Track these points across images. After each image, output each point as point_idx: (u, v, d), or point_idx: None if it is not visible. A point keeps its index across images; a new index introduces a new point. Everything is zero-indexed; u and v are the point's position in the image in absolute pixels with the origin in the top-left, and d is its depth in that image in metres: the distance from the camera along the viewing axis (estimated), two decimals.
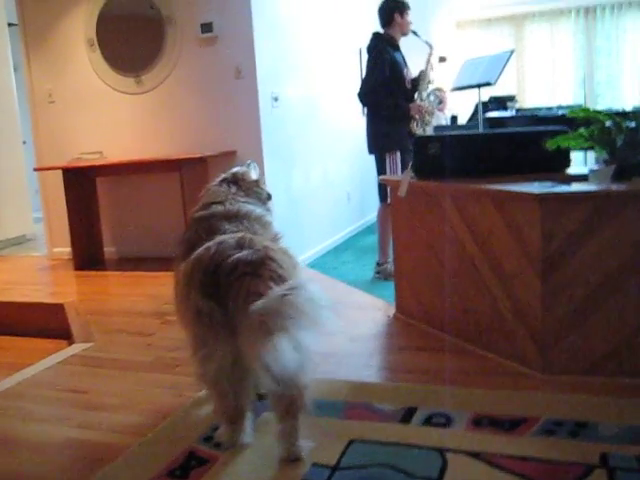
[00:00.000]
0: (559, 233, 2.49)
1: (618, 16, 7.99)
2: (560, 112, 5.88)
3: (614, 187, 2.52)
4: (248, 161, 2.80)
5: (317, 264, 5.49)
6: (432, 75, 5.01)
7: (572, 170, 3.14)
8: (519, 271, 2.64)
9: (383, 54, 4.76)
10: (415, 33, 4.95)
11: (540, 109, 6.33)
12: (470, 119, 6.86)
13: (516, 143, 3.18)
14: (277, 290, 1.86)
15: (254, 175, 2.65)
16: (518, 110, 6.33)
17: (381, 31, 4.95)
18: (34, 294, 4.67)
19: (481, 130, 5.27)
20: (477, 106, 5.66)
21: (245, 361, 1.93)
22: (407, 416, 2.34)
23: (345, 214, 6.80)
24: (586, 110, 2.82)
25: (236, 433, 2.18)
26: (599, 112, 2.79)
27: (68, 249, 5.58)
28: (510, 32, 8.37)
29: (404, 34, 4.95)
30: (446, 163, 3.11)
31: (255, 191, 2.55)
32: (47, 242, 6.16)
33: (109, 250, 5.78)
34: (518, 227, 2.61)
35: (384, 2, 4.99)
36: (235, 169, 2.64)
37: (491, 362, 2.79)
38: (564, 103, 7.28)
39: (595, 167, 2.85)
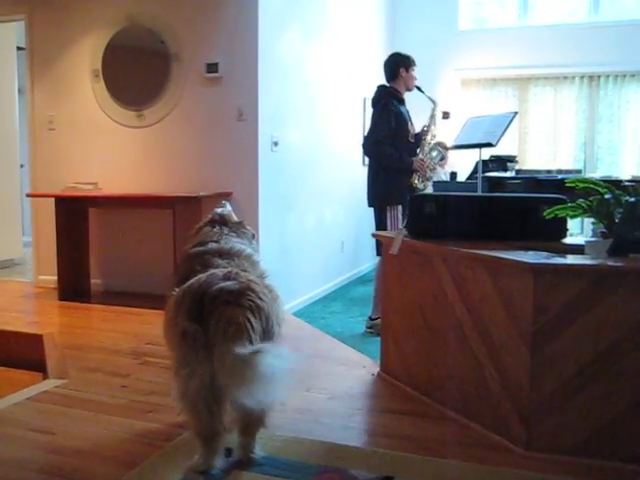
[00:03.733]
0: (552, 306, 2.43)
1: (621, 86, 8.05)
2: (560, 176, 5.87)
3: (610, 263, 2.47)
4: (223, 201, 3.00)
5: (305, 313, 5.41)
6: (435, 131, 5.01)
7: (568, 240, 3.09)
8: (508, 341, 2.57)
9: (389, 106, 4.77)
10: (419, 89, 4.96)
11: (540, 172, 6.33)
12: (469, 177, 6.85)
13: (514, 209, 3.14)
14: (246, 350, 2.03)
15: (234, 216, 2.85)
16: (518, 171, 6.32)
17: (387, 84, 4.97)
18: (14, 322, 4.57)
19: (479, 190, 5.24)
20: (477, 165, 5.65)
21: (220, 383, 2.12)
22: None
23: (338, 263, 6.73)
24: (585, 180, 2.78)
25: (210, 455, 2.30)
26: (598, 183, 2.75)
27: (54, 277, 5.48)
28: (514, 93, 8.41)
29: (409, 89, 4.96)
30: (441, 224, 3.06)
31: (243, 231, 2.77)
32: (34, 269, 6.07)
33: (96, 282, 5.69)
34: (510, 296, 2.55)
35: (390, 56, 5.02)
36: (219, 210, 2.83)
37: (474, 433, 2.70)
38: (564, 167, 7.29)
39: (592, 239, 2.81)
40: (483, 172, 6.14)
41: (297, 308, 5.55)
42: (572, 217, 2.85)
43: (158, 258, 5.24)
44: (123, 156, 5.57)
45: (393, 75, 4.93)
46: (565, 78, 8.27)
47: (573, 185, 2.80)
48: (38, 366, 3.83)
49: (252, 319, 2.15)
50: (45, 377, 3.63)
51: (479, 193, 3.39)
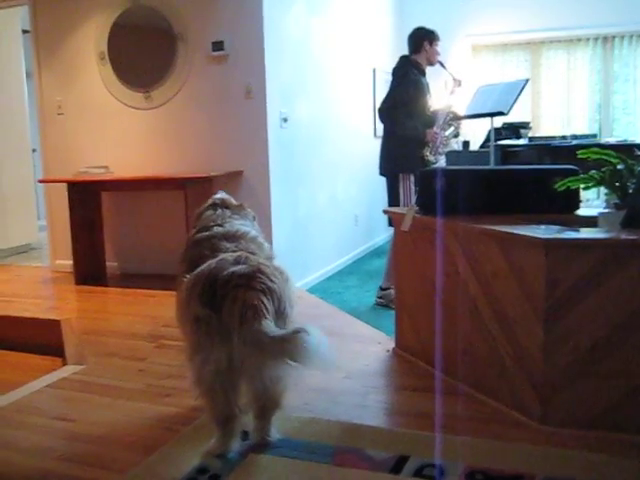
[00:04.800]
0: (564, 281, 2.40)
1: (636, 46, 7.90)
2: (574, 142, 5.78)
3: (622, 236, 2.43)
4: (218, 190, 3.04)
5: (320, 288, 5.41)
6: (453, 107, 5.00)
7: (582, 211, 3.05)
8: (521, 317, 2.55)
9: (409, 75, 4.77)
10: (442, 64, 4.96)
11: (554, 138, 6.23)
12: (482, 145, 6.76)
13: (525, 181, 3.10)
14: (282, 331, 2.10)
15: (233, 200, 2.87)
16: (531, 138, 6.23)
17: (408, 55, 4.95)
18: (32, 308, 4.62)
19: (492, 159, 5.18)
20: (489, 133, 5.58)
21: (237, 366, 2.16)
22: (398, 466, 2.24)
23: (352, 237, 6.72)
24: (598, 152, 2.73)
25: (226, 438, 2.32)
26: (610, 154, 2.70)
27: (70, 262, 5.52)
28: (526, 58, 8.27)
29: (431, 63, 4.96)
30: (452, 199, 3.03)
31: (244, 214, 2.78)
32: (50, 254, 6.12)
33: (111, 265, 5.73)
34: (522, 272, 2.52)
35: (415, 30, 5.00)
36: (219, 195, 2.86)
37: (489, 408, 2.70)
38: (579, 132, 7.18)
39: (605, 210, 2.77)
40: (496, 140, 6.08)
41: (312, 284, 5.56)
42: (584, 189, 2.81)
43: (171, 239, 5.26)
44: (133, 138, 5.57)
45: (417, 48, 4.92)
46: (579, 40, 8.13)
47: (586, 157, 2.75)
48: (57, 351, 3.87)
49: (265, 301, 2.15)
50: (64, 362, 3.67)
51: (490, 166, 3.34)
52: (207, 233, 2.60)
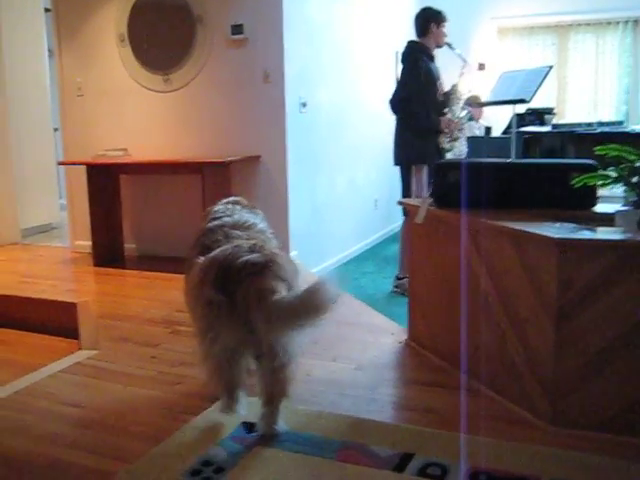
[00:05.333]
0: (577, 281, 2.36)
1: None
2: (599, 129, 5.68)
3: (635, 237, 2.38)
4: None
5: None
6: (464, 89, 4.88)
7: (599, 208, 2.99)
8: (533, 316, 2.52)
9: (419, 63, 4.67)
10: (450, 46, 4.83)
11: (580, 125, 6.11)
12: (505, 131, 6.68)
13: (542, 176, 3.04)
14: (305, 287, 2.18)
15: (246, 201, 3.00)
16: (555, 125, 6.12)
17: (417, 40, 4.84)
18: (50, 290, 4.67)
19: (513, 147, 5.11)
20: (511, 121, 5.50)
21: (246, 347, 2.37)
22: (402, 463, 2.24)
23: (371, 221, 6.70)
24: (617, 148, 2.66)
25: (232, 402, 2.49)
26: (630, 151, 2.63)
27: (90, 243, 5.56)
28: (553, 41, 8.11)
29: (439, 45, 4.84)
30: (466, 192, 2.99)
31: (254, 211, 2.93)
32: (69, 235, 6.17)
33: (129, 247, 5.76)
34: (534, 270, 2.49)
35: (421, 11, 4.88)
36: (232, 198, 3.02)
37: (498, 406, 2.68)
38: (605, 119, 7.04)
39: (623, 208, 2.71)
40: (519, 126, 5.99)
41: (330, 269, 5.55)
42: (602, 186, 2.75)
43: (188, 222, 5.26)
44: (151, 121, 5.57)
45: (424, 31, 4.80)
46: (608, 24, 7.94)
47: (604, 153, 2.69)
48: (73, 334, 3.91)
49: (278, 287, 2.24)
50: (80, 345, 3.71)
51: (506, 160, 3.29)
52: (218, 222, 2.70)
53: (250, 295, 2.22)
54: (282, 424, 2.46)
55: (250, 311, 2.22)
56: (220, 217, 2.75)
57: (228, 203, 2.90)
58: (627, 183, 2.64)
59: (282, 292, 2.23)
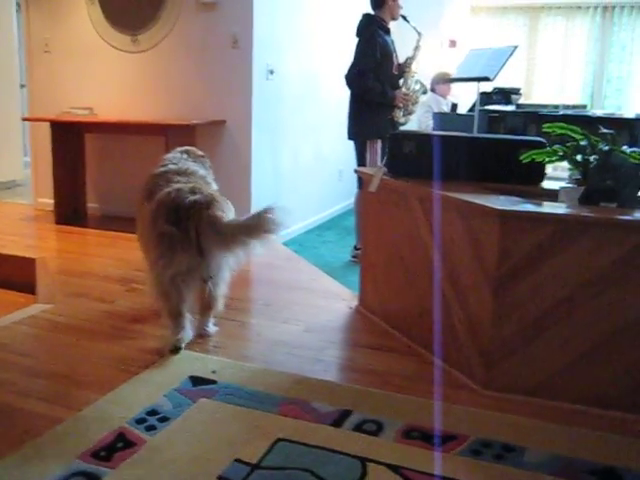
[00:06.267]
0: (516, 252, 2.46)
1: (637, 17, 7.83)
2: (561, 112, 5.78)
3: (574, 211, 2.49)
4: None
5: (298, 241, 5.47)
6: (418, 62, 4.91)
7: (546, 184, 3.10)
8: (474, 284, 2.62)
9: (375, 37, 4.66)
10: (405, 18, 4.83)
11: (545, 106, 6.21)
12: (471, 109, 6.75)
13: (493, 150, 3.13)
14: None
15: (199, 152, 3.44)
16: (519, 105, 6.21)
17: (371, 13, 4.84)
18: (11, 245, 4.67)
19: (476, 125, 5.20)
20: (477, 98, 5.57)
21: (194, 271, 2.85)
22: (340, 419, 2.34)
23: (335, 192, 6.74)
24: (563, 127, 2.76)
25: (178, 329, 2.90)
26: (575, 130, 2.73)
27: (52, 201, 5.55)
28: (525, 22, 8.17)
29: (394, 18, 4.85)
30: (420, 163, 3.07)
31: (201, 160, 3.36)
32: (33, 192, 6.14)
33: (92, 206, 5.76)
34: (478, 240, 2.58)
35: None
36: (182, 148, 3.42)
37: (439, 370, 2.79)
38: (571, 102, 7.15)
39: (567, 185, 2.82)
40: (486, 104, 6.07)
41: (291, 236, 5.61)
42: (548, 162, 2.85)
43: (144, 202, 5.26)
44: (118, 81, 5.54)
45: (379, 3, 4.79)
46: (579, 8, 8.02)
47: (551, 131, 2.79)
48: (31, 289, 3.94)
49: (224, 215, 2.79)
50: (36, 300, 3.74)
51: (459, 133, 3.37)
52: (163, 169, 3.15)
53: (203, 223, 2.73)
54: (212, 327, 3.12)
55: (202, 237, 2.75)
56: (166, 164, 3.19)
57: (177, 152, 3.31)
58: (571, 161, 2.75)
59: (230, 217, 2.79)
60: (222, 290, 3.05)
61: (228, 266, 2.99)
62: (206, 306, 3.07)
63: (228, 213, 2.85)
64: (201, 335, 3.06)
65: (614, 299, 2.39)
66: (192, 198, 2.80)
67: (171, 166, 3.15)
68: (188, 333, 2.95)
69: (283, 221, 2.68)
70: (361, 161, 4.72)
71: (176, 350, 2.86)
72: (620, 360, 2.43)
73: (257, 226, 2.69)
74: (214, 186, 3.20)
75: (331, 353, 2.99)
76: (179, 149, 3.37)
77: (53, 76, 5.79)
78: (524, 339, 2.52)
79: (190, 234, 2.75)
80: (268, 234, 2.69)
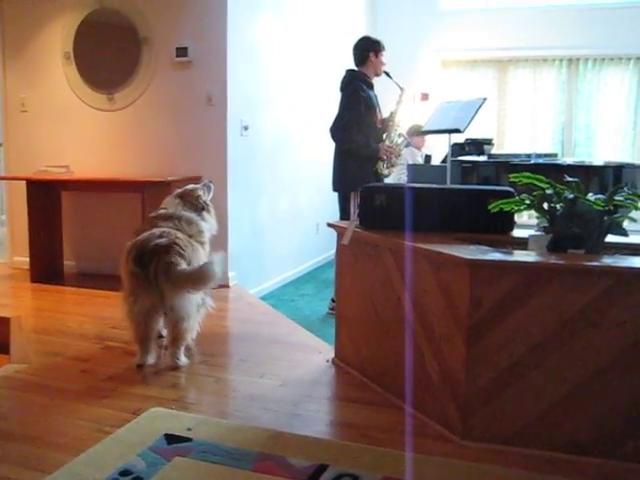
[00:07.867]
0: (486, 301, 2.49)
1: (600, 69, 8.09)
2: (532, 161, 5.91)
3: (542, 259, 2.53)
4: (206, 180, 4.14)
5: (276, 295, 5.49)
6: (401, 117, 5.03)
7: (516, 233, 3.15)
8: (447, 334, 2.64)
9: (359, 92, 4.78)
10: (388, 74, 4.97)
11: (518, 156, 6.35)
12: (444, 160, 6.88)
13: (463, 201, 3.19)
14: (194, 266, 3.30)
15: (200, 192, 3.84)
16: (490, 155, 6.35)
17: (355, 69, 4.98)
18: None
19: (449, 175, 5.29)
20: (449, 150, 5.68)
21: (157, 307, 3.28)
22: (316, 474, 2.31)
23: (312, 245, 6.80)
24: (529, 176, 2.82)
25: (144, 353, 3.37)
26: (540, 179, 2.79)
27: (28, 259, 5.52)
28: (494, 75, 8.41)
29: (377, 74, 4.98)
30: (391, 215, 3.12)
31: (193, 203, 3.76)
32: (8, 250, 6.11)
33: (69, 264, 5.74)
34: (450, 290, 2.61)
35: (359, 40, 5.03)
36: (189, 186, 3.87)
37: (416, 421, 2.78)
38: (542, 151, 7.32)
39: (536, 233, 2.87)
40: (459, 155, 6.19)
41: (268, 290, 5.63)
42: (517, 211, 2.90)
43: (128, 240, 5.27)
44: (94, 139, 5.59)
45: (362, 60, 4.94)
46: (545, 60, 8.30)
47: (517, 180, 2.85)
48: (5, 349, 3.89)
49: (178, 260, 3.23)
50: (10, 359, 3.69)
51: (430, 185, 3.43)
52: (154, 214, 3.64)
53: (160, 267, 3.16)
54: (183, 359, 3.41)
55: (159, 279, 3.17)
56: (160, 209, 3.68)
57: (175, 195, 3.78)
58: (538, 209, 2.80)
59: (183, 265, 3.23)
60: (190, 324, 3.37)
61: (196, 303, 3.39)
62: (174, 339, 3.38)
63: (191, 256, 3.33)
64: (172, 367, 3.37)
65: (585, 345, 2.42)
66: (155, 242, 3.25)
67: (161, 211, 3.65)
68: (152, 355, 3.40)
69: (221, 274, 3.21)
70: (344, 213, 4.78)
71: (139, 367, 3.35)
72: (595, 405, 2.44)
73: (199, 279, 3.18)
74: (197, 227, 3.63)
75: (307, 407, 2.97)
76: (177, 191, 3.82)
77: (30, 135, 5.84)
78: (498, 388, 2.53)
79: (150, 276, 3.18)
80: (208, 285, 3.22)
